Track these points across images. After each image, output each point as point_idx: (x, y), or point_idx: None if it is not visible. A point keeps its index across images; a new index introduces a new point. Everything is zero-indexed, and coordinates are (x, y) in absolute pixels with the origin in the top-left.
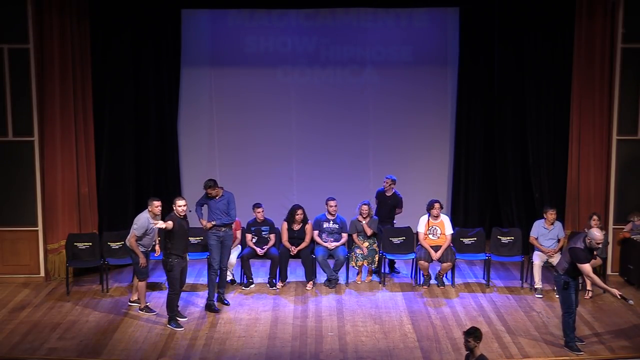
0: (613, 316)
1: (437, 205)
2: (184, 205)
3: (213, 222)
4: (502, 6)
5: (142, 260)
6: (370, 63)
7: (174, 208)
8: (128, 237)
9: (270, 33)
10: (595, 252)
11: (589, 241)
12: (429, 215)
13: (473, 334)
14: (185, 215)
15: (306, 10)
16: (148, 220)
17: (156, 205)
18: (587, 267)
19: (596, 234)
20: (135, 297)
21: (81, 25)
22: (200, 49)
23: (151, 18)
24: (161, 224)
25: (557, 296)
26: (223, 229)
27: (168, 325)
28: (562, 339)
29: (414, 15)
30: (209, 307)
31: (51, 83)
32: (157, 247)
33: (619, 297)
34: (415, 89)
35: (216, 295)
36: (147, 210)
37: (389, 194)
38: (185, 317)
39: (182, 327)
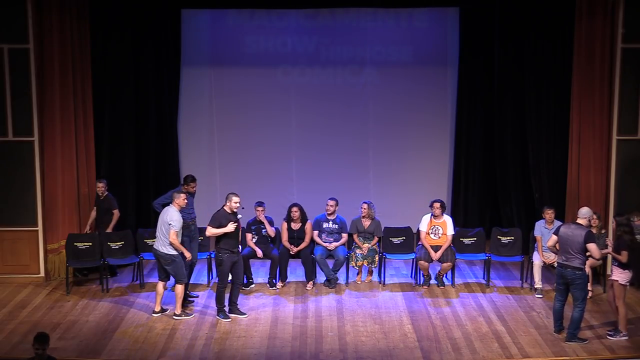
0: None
1: (436, 204)
2: (238, 202)
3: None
4: (502, 6)
5: (187, 254)
6: (370, 63)
7: (228, 205)
8: (163, 239)
9: (270, 33)
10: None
11: (586, 220)
12: (431, 215)
13: (40, 341)
14: (235, 212)
15: (306, 10)
16: (179, 214)
17: (183, 198)
18: (594, 247)
19: (583, 210)
20: (159, 308)
21: (81, 25)
22: (200, 49)
23: (151, 18)
24: (231, 227)
25: (574, 292)
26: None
27: (217, 317)
28: (562, 339)
29: (414, 15)
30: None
31: (51, 83)
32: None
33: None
34: (415, 88)
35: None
36: (171, 205)
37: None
38: (245, 314)
39: (229, 318)
